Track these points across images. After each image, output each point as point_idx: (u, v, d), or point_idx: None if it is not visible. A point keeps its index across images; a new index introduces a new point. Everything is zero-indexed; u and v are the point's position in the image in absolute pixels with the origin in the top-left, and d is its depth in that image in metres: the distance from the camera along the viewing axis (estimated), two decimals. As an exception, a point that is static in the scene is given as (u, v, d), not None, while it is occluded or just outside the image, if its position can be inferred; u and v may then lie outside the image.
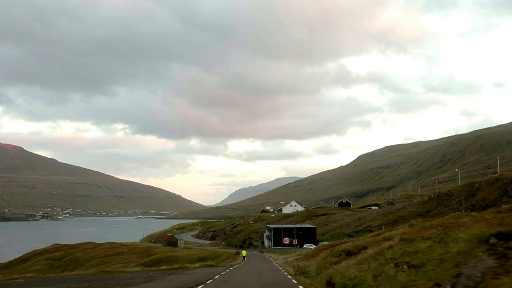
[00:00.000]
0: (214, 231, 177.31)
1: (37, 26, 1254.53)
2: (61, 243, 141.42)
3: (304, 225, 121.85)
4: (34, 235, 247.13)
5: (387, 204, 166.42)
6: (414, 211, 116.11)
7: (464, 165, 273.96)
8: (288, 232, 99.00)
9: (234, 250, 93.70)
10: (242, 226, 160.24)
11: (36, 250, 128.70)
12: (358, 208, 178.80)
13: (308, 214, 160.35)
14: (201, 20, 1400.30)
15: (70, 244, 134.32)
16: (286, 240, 56.27)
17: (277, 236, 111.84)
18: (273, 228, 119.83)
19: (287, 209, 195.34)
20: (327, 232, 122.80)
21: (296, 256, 59.77)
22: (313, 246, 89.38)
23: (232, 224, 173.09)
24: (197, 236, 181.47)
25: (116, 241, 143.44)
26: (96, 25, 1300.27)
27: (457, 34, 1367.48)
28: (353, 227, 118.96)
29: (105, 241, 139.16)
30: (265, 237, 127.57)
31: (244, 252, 72.90)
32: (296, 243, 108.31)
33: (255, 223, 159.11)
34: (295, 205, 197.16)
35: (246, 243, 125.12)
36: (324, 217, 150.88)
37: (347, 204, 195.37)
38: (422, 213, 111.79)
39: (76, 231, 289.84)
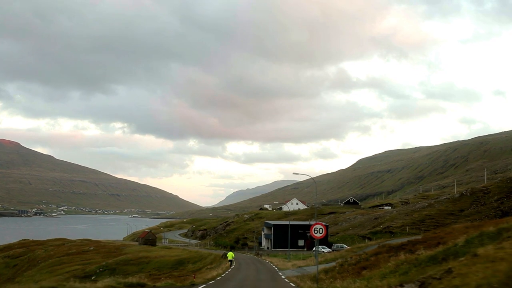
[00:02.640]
0: (205, 229, 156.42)
1: (37, 22, 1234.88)
2: (30, 239, 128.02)
3: (312, 222, 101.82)
4: (12, 230, 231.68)
5: (402, 204, 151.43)
6: (443, 209, 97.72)
7: (467, 171, 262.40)
8: (296, 229, 79.32)
9: (222, 252, 72.55)
10: (236, 225, 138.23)
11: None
12: (369, 207, 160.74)
13: (313, 212, 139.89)
14: (202, 20, 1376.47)
15: (38, 240, 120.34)
16: (318, 230, 28.17)
17: (280, 234, 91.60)
18: (274, 225, 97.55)
19: (287, 208, 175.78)
20: (337, 233, 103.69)
21: (319, 264, 37.93)
22: (326, 249, 69.40)
23: (225, 222, 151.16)
24: (185, 235, 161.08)
25: (94, 239, 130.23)
26: (96, 22, 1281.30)
27: (458, 41, 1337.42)
28: (369, 228, 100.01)
29: (89, 239, 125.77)
30: (263, 236, 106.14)
31: (230, 255, 50.56)
32: (303, 244, 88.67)
33: (252, 221, 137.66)
34: (297, 203, 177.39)
35: (240, 243, 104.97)
36: (332, 216, 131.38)
37: (355, 203, 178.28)
38: (454, 212, 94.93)
39: (65, 228, 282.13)
